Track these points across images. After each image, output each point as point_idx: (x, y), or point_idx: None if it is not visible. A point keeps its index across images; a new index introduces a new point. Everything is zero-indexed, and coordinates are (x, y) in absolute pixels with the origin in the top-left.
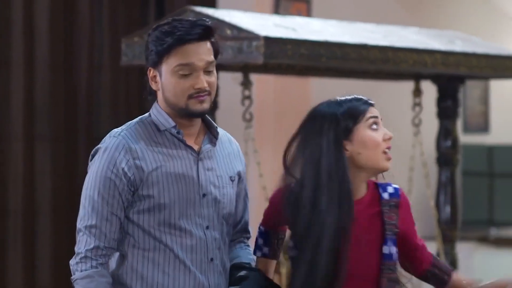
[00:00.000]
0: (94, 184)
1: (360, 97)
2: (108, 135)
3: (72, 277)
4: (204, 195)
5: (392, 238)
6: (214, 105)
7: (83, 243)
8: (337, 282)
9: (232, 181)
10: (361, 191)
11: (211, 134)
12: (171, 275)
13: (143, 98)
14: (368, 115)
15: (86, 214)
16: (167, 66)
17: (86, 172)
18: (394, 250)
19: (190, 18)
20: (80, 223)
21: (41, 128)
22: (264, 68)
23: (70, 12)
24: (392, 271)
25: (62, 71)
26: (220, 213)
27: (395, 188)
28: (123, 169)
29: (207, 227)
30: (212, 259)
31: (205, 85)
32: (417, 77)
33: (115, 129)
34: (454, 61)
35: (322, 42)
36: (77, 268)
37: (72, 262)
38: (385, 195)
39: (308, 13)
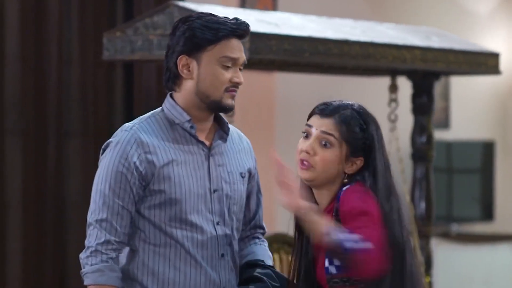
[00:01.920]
0: (105, 178)
1: None
2: (119, 129)
3: (82, 271)
4: (215, 190)
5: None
6: None
7: (93, 237)
8: None
9: (243, 177)
10: (325, 200)
11: (222, 130)
12: (182, 271)
13: (164, 87)
14: None
15: (96, 208)
16: (211, 55)
17: (56, 166)
18: (334, 263)
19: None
20: (90, 217)
21: (11, 122)
22: (246, 63)
23: (39, 6)
24: (339, 284)
25: (32, 66)
26: (231, 209)
27: (341, 190)
28: (134, 163)
29: (218, 223)
30: (223, 255)
31: (242, 80)
32: (394, 73)
33: (127, 123)
34: (432, 57)
35: (306, 38)
36: (87, 262)
37: (82, 255)
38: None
39: (273, 7)
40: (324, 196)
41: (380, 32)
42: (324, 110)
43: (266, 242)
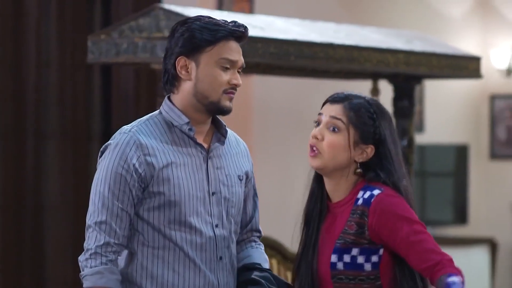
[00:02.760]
0: (105, 180)
1: None
2: (118, 131)
3: (81, 274)
4: (213, 193)
5: (341, 248)
6: None
7: (92, 239)
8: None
9: (241, 180)
10: (340, 192)
11: (220, 133)
12: (181, 274)
13: (161, 92)
14: None
15: (96, 210)
16: (210, 57)
17: (34, 168)
18: (343, 259)
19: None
20: (89, 219)
21: None
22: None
23: (17, 9)
24: (343, 280)
25: (10, 68)
26: (229, 212)
27: (371, 194)
28: (134, 165)
29: (216, 226)
30: (221, 258)
31: (241, 82)
32: (376, 76)
33: (125, 126)
34: (415, 60)
35: (292, 41)
36: (87, 264)
37: (81, 258)
38: (360, 201)
39: (250, 11)
40: (339, 188)
41: (363, 36)
42: (335, 97)
43: (263, 246)
